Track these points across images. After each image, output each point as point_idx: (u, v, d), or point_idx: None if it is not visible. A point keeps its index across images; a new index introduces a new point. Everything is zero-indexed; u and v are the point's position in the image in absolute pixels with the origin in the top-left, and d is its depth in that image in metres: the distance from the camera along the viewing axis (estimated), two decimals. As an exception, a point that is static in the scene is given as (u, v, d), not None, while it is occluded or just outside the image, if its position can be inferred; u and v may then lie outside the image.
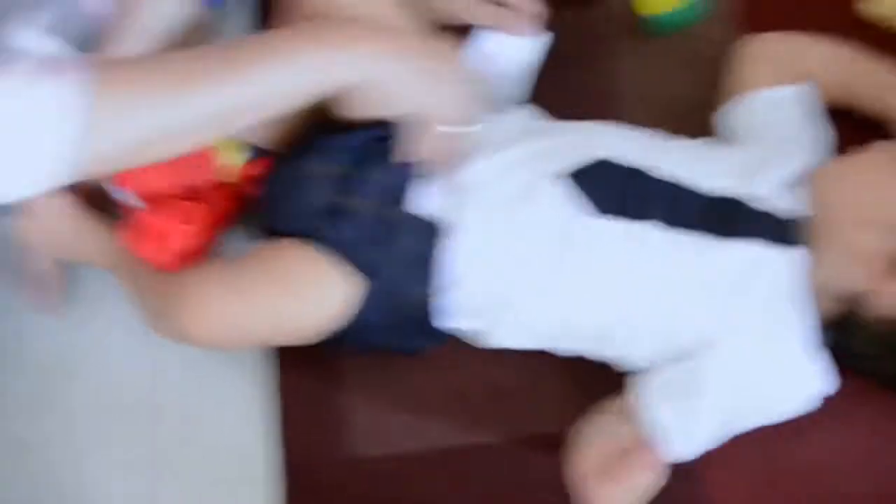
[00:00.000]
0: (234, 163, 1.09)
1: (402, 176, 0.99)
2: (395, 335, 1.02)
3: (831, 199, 0.96)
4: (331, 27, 0.92)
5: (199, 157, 1.08)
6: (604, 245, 0.96)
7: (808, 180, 0.98)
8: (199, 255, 1.10)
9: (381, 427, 1.07)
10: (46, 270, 1.11)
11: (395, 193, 0.98)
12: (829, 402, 0.97)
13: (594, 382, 1.02)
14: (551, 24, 1.11)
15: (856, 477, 0.98)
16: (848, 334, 0.95)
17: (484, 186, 0.99)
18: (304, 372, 1.10)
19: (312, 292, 0.98)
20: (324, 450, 1.07)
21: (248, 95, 0.88)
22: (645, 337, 0.97)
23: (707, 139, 1.06)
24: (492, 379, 1.07)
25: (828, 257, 0.95)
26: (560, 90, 1.11)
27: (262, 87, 0.88)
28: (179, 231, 1.08)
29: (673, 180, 0.98)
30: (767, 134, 1.03)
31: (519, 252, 0.97)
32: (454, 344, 1.06)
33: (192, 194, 1.09)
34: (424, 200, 0.99)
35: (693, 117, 1.08)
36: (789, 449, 0.99)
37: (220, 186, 1.10)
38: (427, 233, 0.98)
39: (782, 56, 1.07)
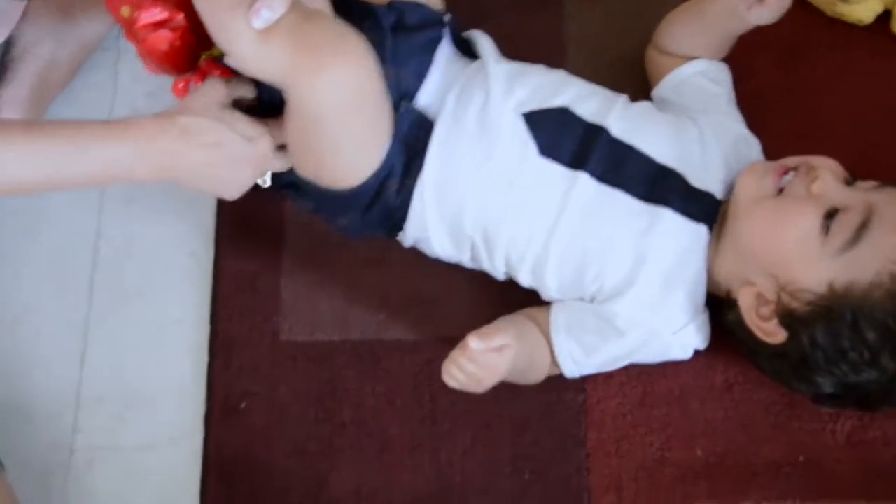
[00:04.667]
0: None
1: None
2: (372, 217, 1.09)
3: (748, 226, 1.03)
4: (135, 126, 1.01)
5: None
6: (538, 182, 1.05)
7: (739, 180, 1.05)
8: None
9: (308, 315, 1.17)
10: None
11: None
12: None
13: (508, 298, 1.12)
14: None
15: (713, 404, 1.10)
16: (724, 313, 1.06)
17: (458, 100, 1.07)
18: (243, 255, 1.20)
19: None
20: (252, 328, 1.18)
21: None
22: (558, 271, 1.07)
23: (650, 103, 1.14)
24: (414, 284, 1.17)
25: (724, 258, 1.04)
26: (506, 30, 1.17)
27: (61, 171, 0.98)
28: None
29: (629, 142, 1.06)
30: (693, 112, 1.11)
31: (471, 170, 1.06)
32: (384, 248, 1.16)
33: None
34: (421, 96, 1.08)
35: (632, 72, 1.17)
36: (662, 374, 1.11)
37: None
38: (420, 124, 1.07)
39: (664, 44, 1.16)
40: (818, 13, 1.22)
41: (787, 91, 1.21)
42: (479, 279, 1.15)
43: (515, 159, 1.05)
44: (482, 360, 0.99)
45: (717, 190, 1.06)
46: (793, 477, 1.08)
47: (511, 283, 1.13)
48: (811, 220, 1.00)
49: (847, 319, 0.98)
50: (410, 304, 1.17)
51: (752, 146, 1.12)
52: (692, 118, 1.10)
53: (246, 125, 1.05)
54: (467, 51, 1.14)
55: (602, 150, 1.05)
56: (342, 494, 1.12)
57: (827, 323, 0.99)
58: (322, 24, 1.03)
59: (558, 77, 1.11)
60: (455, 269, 1.16)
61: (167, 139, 1.01)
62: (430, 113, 1.08)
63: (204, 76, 1.25)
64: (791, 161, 1.05)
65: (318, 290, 1.19)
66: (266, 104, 1.09)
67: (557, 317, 1.07)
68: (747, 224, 1.03)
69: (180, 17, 1.17)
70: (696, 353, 1.10)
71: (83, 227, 1.24)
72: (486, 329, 1.01)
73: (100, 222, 1.25)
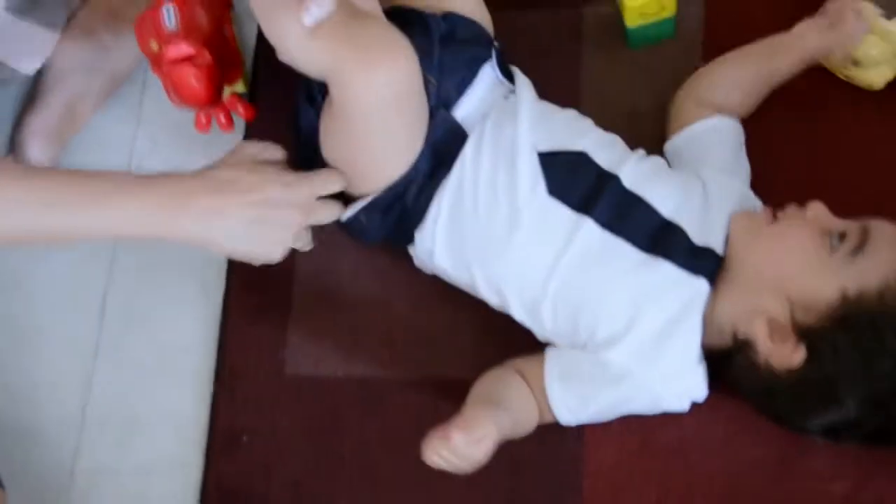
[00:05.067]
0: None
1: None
2: (390, 218, 1.12)
3: (744, 250, 1.05)
4: (167, 186, 1.01)
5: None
6: (542, 223, 1.07)
7: (731, 222, 1.07)
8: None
9: (314, 351, 1.19)
10: None
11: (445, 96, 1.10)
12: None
13: (510, 342, 1.13)
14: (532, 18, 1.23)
15: (713, 457, 1.10)
16: (729, 364, 1.06)
17: (484, 131, 1.10)
18: (253, 288, 1.22)
19: None
20: (258, 361, 1.19)
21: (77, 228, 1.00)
22: (552, 313, 1.08)
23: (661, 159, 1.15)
24: (419, 325, 1.18)
25: (729, 300, 1.04)
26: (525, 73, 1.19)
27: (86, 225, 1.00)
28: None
29: (639, 194, 1.08)
30: (700, 166, 1.12)
31: (484, 194, 1.08)
32: (392, 289, 1.19)
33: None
34: (458, 109, 1.12)
35: (642, 128, 1.18)
36: (662, 425, 1.10)
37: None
38: (454, 132, 1.10)
39: (701, 90, 1.18)
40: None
41: (796, 147, 1.21)
42: (481, 322, 1.16)
43: (523, 195, 1.07)
44: (462, 452, 0.98)
45: (718, 246, 1.07)
46: (789, 536, 1.08)
47: (513, 326, 1.13)
48: (813, 234, 1.03)
49: (864, 324, 0.99)
50: (415, 344, 1.18)
51: (754, 204, 1.12)
52: (698, 174, 1.12)
53: (283, 173, 1.07)
54: (510, 80, 1.17)
55: (611, 199, 1.07)
56: (338, 529, 1.13)
57: (846, 331, 0.99)
58: (370, 24, 1.07)
59: (584, 124, 1.14)
60: (459, 312, 1.17)
61: (207, 193, 1.01)
62: (464, 127, 1.11)
63: (226, 111, 1.28)
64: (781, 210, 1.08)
65: (325, 327, 1.20)
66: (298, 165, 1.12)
67: (552, 367, 1.08)
68: (752, 248, 1.05)
69: (206, 54, 1.21)
70: (695, 405, 1.10)
71: (97, 251, 1.26)
72: (467, 417, 0.99)
73: (114, 248, 1.26)
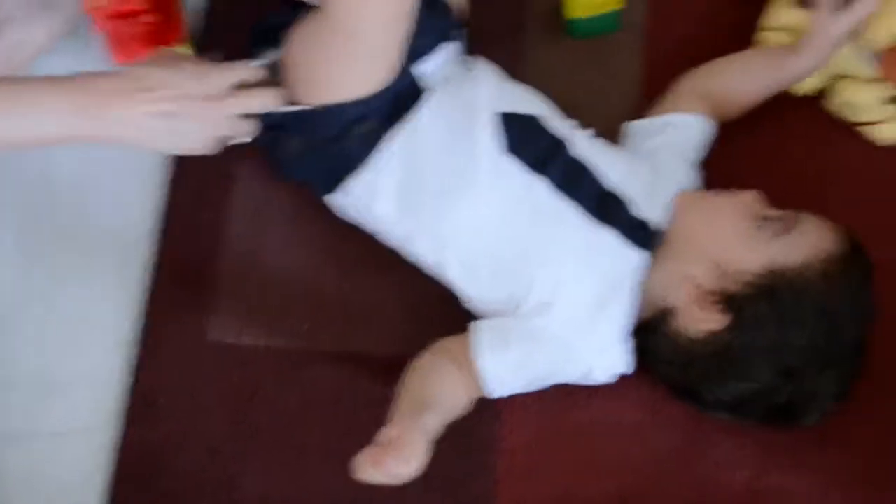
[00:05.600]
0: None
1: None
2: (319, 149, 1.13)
3: (684, 223, 1.11)
4: (81, 90, 1.00)
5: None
6: (498, 178, 1.10)
7: (673, 201, 1.12)
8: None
9: (238, 320, 1.19)
10: None
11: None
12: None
13: (436, 316, 1.15)
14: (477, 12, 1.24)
15: (626, 442, 1.14)
16: (652, 336, 1.10)
17: (445, 90, 1.13)
18: (182, 255, 1.21)
19: None
20: (181, 327, 1.19)
21: None
22: (491, 268, 1.11)
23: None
24: (345, 297, 1.19)
25: (662, 269, 1.09)
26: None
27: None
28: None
29: (584, 162, 1.12)
30: (659, 151, 1.18)
31: (442, 149, 1.11)
32: (324, 257, 1.20)
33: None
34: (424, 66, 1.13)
35: (584, 119, 1.20)
36: (577, 408, 1.14)
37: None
38: (414, 86, 1.13)
39: (696, 87, 1.22)
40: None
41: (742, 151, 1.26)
42: (407, 298, 1.18)
43: (482, 150, 1.11)
44: (394, 472, 0.97)
45: (661, 221, 1.11)
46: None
47: (439, 301, 1.16)
48: (747, 211, 1.09)
49: (787, 297, 1.05)
50: (338, 318, 1.19)
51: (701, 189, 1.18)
52: (655, 155, 1.17)
53: (199, 65, 1.06)
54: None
55: (560, 163, 1.11)
56: (251, 497, 1.13)
57: (769, 300, 1.05)
58: None
59: (539, 98, 1.18)
60: (386, 288, 1.19)
61: (118, 96, 1.00)
62: (424, 83, 1.13)
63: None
64: None
65: (251, 296, 1.20)
66: None
67: (480, 339, 1.09)
68: (688, 219, 1.11)
69: (150, 10, 1.19)
70: (608, 388, 1.13)
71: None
72: (397, 439, 0.97)
73: (37, 205, 1.24)
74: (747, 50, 1.26)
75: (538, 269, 1.10)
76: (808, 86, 1.25)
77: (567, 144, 1.13)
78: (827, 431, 1.12)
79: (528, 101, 1.17)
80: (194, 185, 1.24)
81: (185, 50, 1.28)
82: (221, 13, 1.31)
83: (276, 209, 1.22)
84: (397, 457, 0.96)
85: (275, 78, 1.11)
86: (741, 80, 1.23)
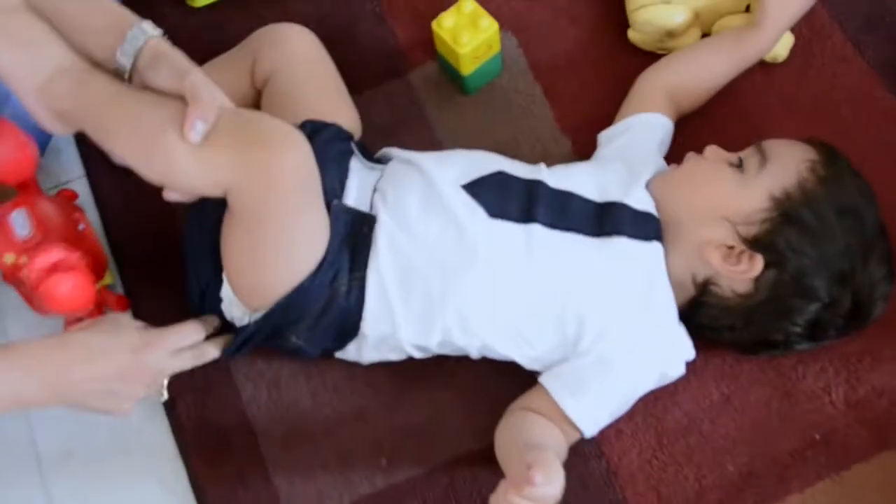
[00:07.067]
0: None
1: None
2: (318, 330, 1.10)
3: (669, 202, 1.12)
4: (19, 359, 1.00)
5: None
6: (495, 244, 1.08)
7: (651, 187, 1.14)
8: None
9: (308, 490, 1.13)
10: None
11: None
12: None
13: (497, 398, 1.12)
14: (366, 100, 1.24)
15: (724, 419, 1.13)
16: (703, 311, 1.11)
17: (396, 191, 1.11)
18: (219, 461, 1.15)
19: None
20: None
21: None
22: (538, 324, 1.08)
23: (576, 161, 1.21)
24: (398, 421, 1.15)
25: (678, 250, 1.10)
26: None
27: None
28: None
29: (566, 189, 1.12)
30: (626, 148, 1.20)
31: (428, 250, 1.08)
32: (354, 400, 1.16)
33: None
34: (347, 198, 1.11)
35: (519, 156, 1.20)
36: (665, 410, 1.13)
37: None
38: (360, 220, 1.09)
39: (664, 83, 1.24)
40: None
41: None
42: (458, 391, 1.15)
43: (468, 229, 1.08)
44: (541, 493, 0.94)
45: (654, 210, 1.12)
46: (819, 456, 1.12)
47: (494, 382, 1.14)
48: (717, 165, 1.12)
49: (803, 213, 1.07)
50: (405, 440, 1.15)
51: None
52: (623, 153, 1.19)
53: (139, 332, 1.06)
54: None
55: (545, 200, 1.11)
56: None
57: (790, 224, 1.07)
58: (256, 117, 1.06)
59: (481, 154, 1.17)
60: (431, 392, 1.16)
61: (56, 365, 1.00)
62: (362, 210, 1.10)
63: (100, 308, 1.20)
64: None
65: (308, 461, 1.14)
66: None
67: (557, 388, 1.08)
68: (674, 196, 1.12)
69: (76, 255, 1.13)
70: (681, 381, 1.13)
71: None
72: (536, 460, 0.95)
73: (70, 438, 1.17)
74: (706, 38, 1.28)
75: (577, 306, 1.08)
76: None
77: (542, 181, 1.13)
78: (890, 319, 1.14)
79: (481, 161, 1.16)
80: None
81: (108, 280, 1.22)
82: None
83: (288, 370, 1.18)
84: (545, 473, 0.94)
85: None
86: (710, 68, 1.25)
